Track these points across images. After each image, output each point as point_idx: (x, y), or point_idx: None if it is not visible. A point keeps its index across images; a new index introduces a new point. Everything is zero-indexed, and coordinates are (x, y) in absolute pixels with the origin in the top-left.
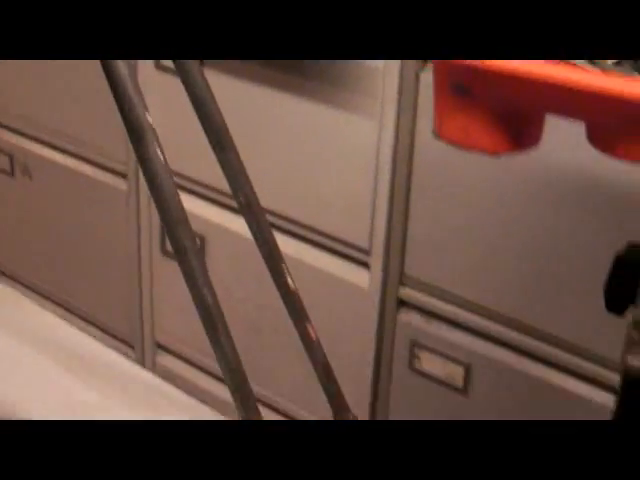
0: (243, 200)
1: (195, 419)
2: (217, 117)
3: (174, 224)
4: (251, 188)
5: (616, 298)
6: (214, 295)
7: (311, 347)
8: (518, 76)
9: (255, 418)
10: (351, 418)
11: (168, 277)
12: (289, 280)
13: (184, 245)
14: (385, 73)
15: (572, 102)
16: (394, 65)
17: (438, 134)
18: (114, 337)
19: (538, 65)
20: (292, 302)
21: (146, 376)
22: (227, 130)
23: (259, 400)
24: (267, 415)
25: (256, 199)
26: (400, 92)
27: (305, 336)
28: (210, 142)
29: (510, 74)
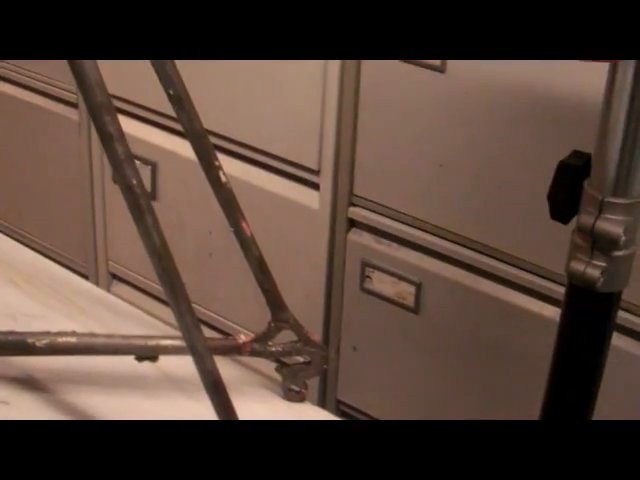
0: (173, 93)
1: (142, 333)
2: None
3: (98, 108)
4: (180, 81)
5: (560, 205)
6: (138, 177)
7: (246, 242)
8: None
9: (186, 308)
10: (288, 318)
11: (121, 206)
12: (221, 174)
13: (109, 131)
14: None
15: None
16: None
17: None
18: (68, 268)
19: None
20: (225, 197)
21: (90, 287)
22: None
23: (205, 322)
24: (208, 334)
25: (185, 92)
26: None
27: (239, 231)
28: None
29: None
